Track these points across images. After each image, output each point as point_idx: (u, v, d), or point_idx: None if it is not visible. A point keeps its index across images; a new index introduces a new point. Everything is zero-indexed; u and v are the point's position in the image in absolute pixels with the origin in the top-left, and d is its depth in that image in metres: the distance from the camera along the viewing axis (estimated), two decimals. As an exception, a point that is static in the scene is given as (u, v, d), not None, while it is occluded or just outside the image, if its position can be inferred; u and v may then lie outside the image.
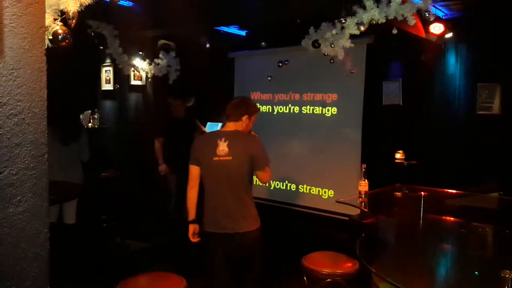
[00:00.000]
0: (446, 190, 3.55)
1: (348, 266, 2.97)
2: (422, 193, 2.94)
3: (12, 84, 1.45)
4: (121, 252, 4.47)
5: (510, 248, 2.43)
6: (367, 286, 2.92)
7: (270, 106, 6.06)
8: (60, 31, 2.80)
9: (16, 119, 1.46)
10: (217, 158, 2.79)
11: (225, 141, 2.81)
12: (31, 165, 1.52)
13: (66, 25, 2.86)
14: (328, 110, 5.46)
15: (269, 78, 5.52)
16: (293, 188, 5.76)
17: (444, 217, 3.14)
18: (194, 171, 2.91)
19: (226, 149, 2.79)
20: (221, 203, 2.84)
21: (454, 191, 3.54)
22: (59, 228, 4.21)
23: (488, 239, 2.86)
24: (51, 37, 2.75)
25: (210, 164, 2.82)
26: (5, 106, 1.42)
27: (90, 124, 5.91)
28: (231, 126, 2.93)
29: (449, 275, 2.18)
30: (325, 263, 3.01)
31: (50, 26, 2.75)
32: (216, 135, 2.92)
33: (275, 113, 6.01)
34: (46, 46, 1.67)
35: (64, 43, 2.91)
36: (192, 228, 2.95)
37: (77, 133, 4.46)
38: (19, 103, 1.47)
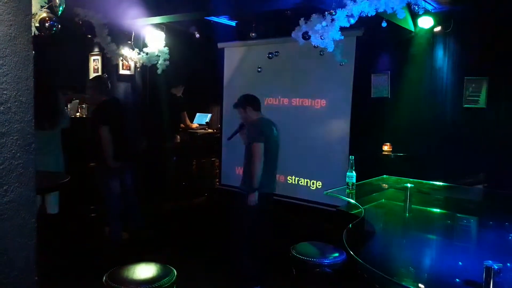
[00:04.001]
0: (432, 182, 3.60)
1: (335, 256, 3.01)
2: (409, 184, 2.97)
3: (-3, 73, 1.43)
4: (109, 242, 4.46)
5: (494, 239, 2.47)
6: (355, 276, 2.97)
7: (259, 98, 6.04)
8: (47, 18, 2.76)
9: (2, 108, 1.44)
10: (275, 139, 3.88)
11: (273, 126, 3.90)
12: (18, 154, 1.50)
13: (53, 12, 2.82)
14: (317, 102, 5.47)
15: (258, 69, 5.51)
16: (282, 179, 5.78)
17: (430, 209, 3.18)
18: (263, 148, 3.72)
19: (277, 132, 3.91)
20: (274, 172, 3.92)
21: (440, 183, 3.59)
22: (43, 218, 4.18)
23: (472, 230, 2.91)
24: (37, 25, 2.71)
25: (272, 142, 3.82)
26: (-10, 95, 1.40)
27: (78, 114, 5.84)
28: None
29: (434, 265, 2.21)
30: (312, 253, 3.04)
31: (36, 14, 2.71)
32: (270, 121, 3.93)
33: (264, 104, 5.99)
34: (32, 34, 1.63)
35: (50, 31, 2.87)
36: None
37: (57, 119, 4.42)
38: (5, 92, 1.45)
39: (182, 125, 6.81)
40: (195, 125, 7.10)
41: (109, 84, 4.62)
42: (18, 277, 1.53)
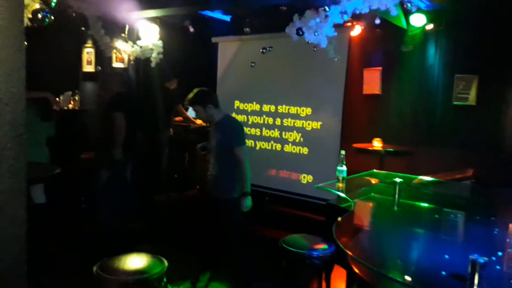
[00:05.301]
0: (421, 177, 3.65)
1: (324, 248, 3.05)
2: (398, 179, 3.01)
3: (-11, 63, 1.43)
4: (100, 233, 4.47)
5: (480, 234, 2.51)
6: (343, 268, 3.01)
7: (253, 92, 6.06)
8: (39, 9, 2.75)
9: (-7, 98, 1.44)
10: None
11: None
12: (9, 145, 1.50)
13: (46, 4, 2.81)
14: (309, 97, 5.49)
15: (252, 64, 5.51)
16: (273, 173, 5.81)
17: (418, 203, 3.23)
18: (247, 149, 3.49)
19: None
20: None
21: (428, 178, 3.64)
22: (31, 208, 4.18)
23: (459, 224, 2.96)
24: (30, 16, 2.70)
25: None
26: (-18, 85, 1.40)
27: (70, 106, 5.82)
28: None
29: (421, 258, 2.25)
30: (302, 245, 3.08)
31: (29, 5, 2.70)
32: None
33: (257, 98, 6.02)
34: (25, 25, 1.63)
35: (43, 22, 2.86)
36: None
37: (50, 113, 4.46)
38: (-4, 82, 1.45)
39: (179, 118, 6.78)
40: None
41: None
42: (8, 268, 1.54)
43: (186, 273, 3.91)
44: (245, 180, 3.42)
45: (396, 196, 2.95)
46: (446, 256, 2.12)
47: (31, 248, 1.68)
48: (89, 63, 6.10)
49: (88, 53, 6.09)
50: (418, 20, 4.70)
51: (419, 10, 4.44)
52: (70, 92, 5.83)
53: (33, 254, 1.71)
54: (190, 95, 3.54)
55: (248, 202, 3.44)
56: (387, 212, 2.97)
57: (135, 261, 2.61)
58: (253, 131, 6.02)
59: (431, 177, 3.62)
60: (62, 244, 4.35)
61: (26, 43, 1.57)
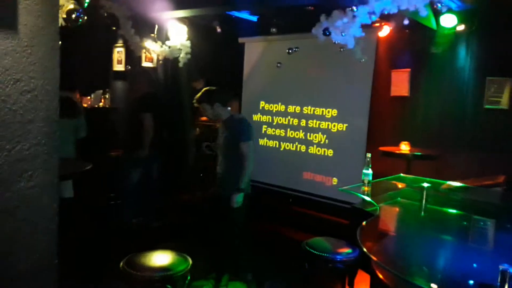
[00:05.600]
0: (449, 182, 3.57)
1: (348, 252, 3.02)
2: (425, 184, 2.95)
3: (26, 61, 1.48)
4: (127, 230, 4.56)
5: (510, 243, 2.44)
6: (367, 273, 2.97)
7: (278, 92, 6.05)
8: (73, 9, 2.83)
9: (29, 96, 1.49)
10: None
11: None
12: (43, 141, 1.56)
13: (79, 4, 2.89)
14: (336, 98, 5.44)
15: (278, 65, 5.50)
16: (297, 174, 5.79)
17: (446, 209, 3.15)
18: (253, 146, 3.49)
19: None
20: None
21: (457, 183, 3.55)
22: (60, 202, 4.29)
23: (489, 233, 2.87)
24: (64, 16, 2.79)
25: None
26: (18, 83, 1.46)
27: (101, 104, 5.96)
28: None
29: (448, 266, 2.20)
30: (325, 248, 3.06)
31: (64, 5, 2.78)
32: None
33: (283, 98, 6.01)
34: (60, 25, 1.68)
35: (77, 22, 2.95)
36: None
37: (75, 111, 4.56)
38: (32, 80, 1.50)
39: (204, 118, 6.85)
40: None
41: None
42: (40, 260, 1.59)
43: (210, 271, 3.94)
44: (243, 175, 3.41)
45: (423, 201, 2.89)
46: (475, 265, 2.07)
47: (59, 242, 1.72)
48: (119, 62, 6.23)
49: (119, 52, 6.22)
50: (448, 20, 4.58)
51: (449, 10, 4.33)
52: (101, 91, 5.97)
53: (61, 249, 1.75)
54: (198, 94, 3.59)
55: (239, 198, 3.40)
56: (414, 218, 2.92)
57: (160, 258, 2.66)
58: (277, 132, 6.02)
59: (460, 182, 3.54)
60: (87, 239, 4.45)
61: (60, 42, 1.62)
